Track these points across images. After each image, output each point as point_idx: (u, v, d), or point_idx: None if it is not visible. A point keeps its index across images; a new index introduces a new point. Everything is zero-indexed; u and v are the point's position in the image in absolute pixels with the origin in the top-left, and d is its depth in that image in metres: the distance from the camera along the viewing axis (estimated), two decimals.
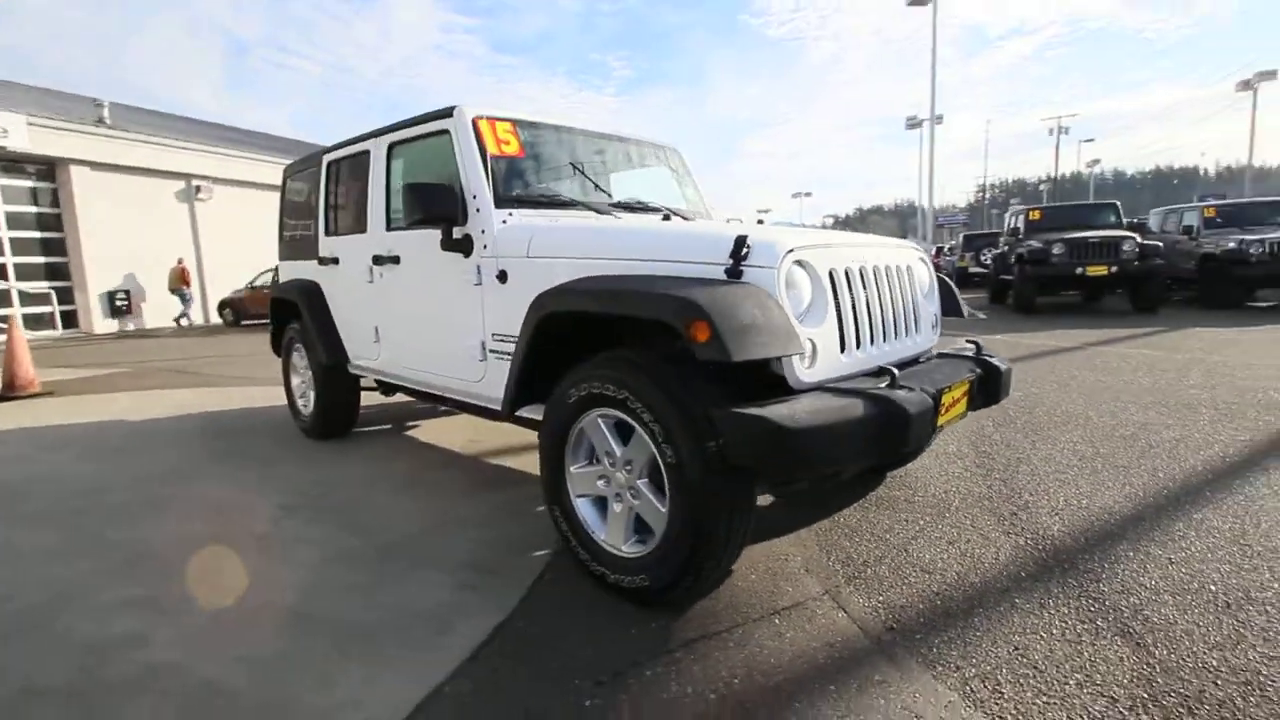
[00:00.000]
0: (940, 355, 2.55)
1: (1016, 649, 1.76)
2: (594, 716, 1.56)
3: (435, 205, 2.62)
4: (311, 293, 3.92)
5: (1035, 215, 11.98)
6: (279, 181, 4.57)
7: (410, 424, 4.53)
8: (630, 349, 2.08)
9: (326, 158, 3.79)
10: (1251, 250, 9.43)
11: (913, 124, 27.11)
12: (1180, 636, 1.78)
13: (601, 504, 2.17)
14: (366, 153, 3.38)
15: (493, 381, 2.70)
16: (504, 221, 2.62)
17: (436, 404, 3.42)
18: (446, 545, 2.53)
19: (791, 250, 1.92)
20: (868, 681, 1.64)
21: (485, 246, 2.63)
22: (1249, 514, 2.52)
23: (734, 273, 1.89)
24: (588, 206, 2.89)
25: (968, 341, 2.60)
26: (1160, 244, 10.04)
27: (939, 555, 2.31)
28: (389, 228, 3.24)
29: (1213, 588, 2.02)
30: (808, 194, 64.94)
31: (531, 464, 3.51)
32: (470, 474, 3.41)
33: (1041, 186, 59.11)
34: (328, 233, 3.81)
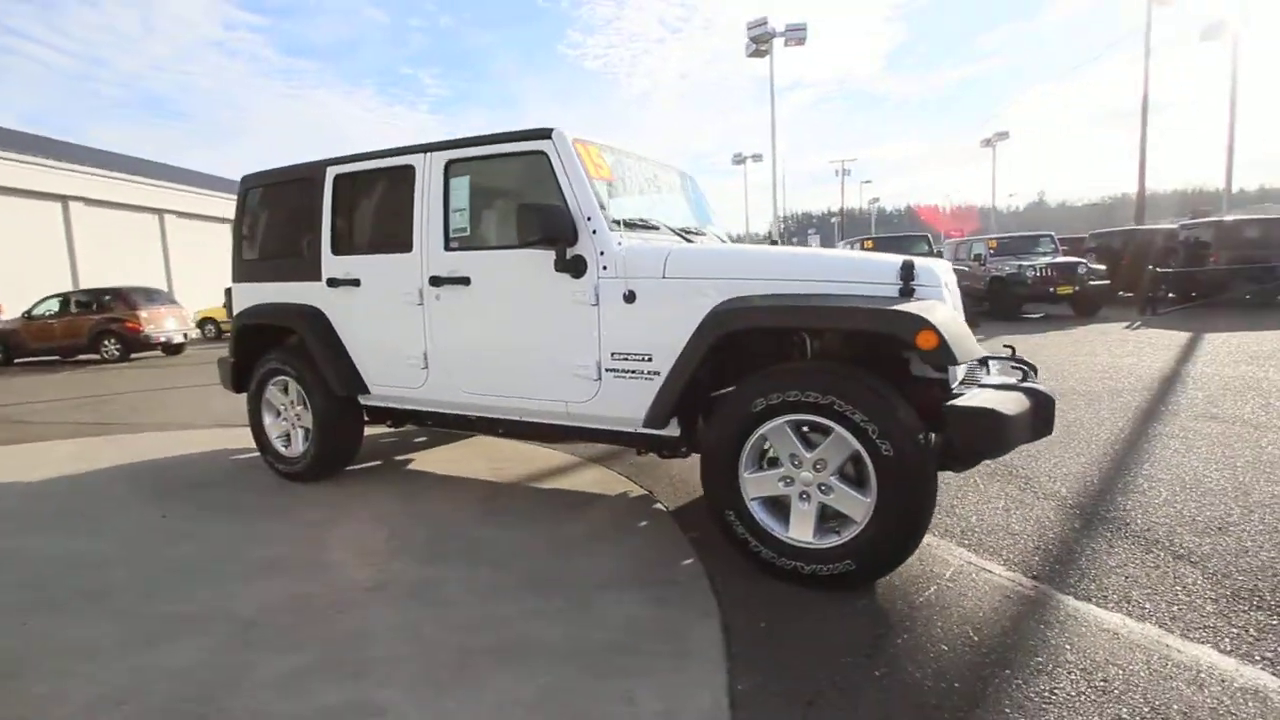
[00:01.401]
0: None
1: (1126, 578, 2.27)
2: (888, 684, 1.76)
3: (551, 226, 2.62)
4: (314, 317, 3.54)
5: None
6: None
7: (399, 458, 4.21)
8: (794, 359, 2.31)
9: (333, 170, 3.47)
10: (1027, 274, 12.01)
11: (738, 160, 29.97)
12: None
13: (772, 504, 2.36)
14: (410, 168, 3.19)
15: (609, 401, 2.74)
16: (619, 243, 2.70)
17: (493, 433, 3.29)
18: (592, 567, 2.52)
19: (944, 272, 2.30)
20: (1050, 618, 2.04)
21: (605, 267, 2.68)
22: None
23: (907, 292, 2.22)
24: (668, 229, 3.06)
25: (1014, 366, 2.59)
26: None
27: (1019, 518, 2.81)
28: (448, 247, 3.09)
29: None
30: None
31: (585, 482, 3.56)
32: (536, 500, 3.32)
33: (832, 219, 67.88)
34: (338, 251, 3.48)
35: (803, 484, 2.27)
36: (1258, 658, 1.80)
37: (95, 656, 2.00)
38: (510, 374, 2.99)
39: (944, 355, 1.98)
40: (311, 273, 3.57)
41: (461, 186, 3.07)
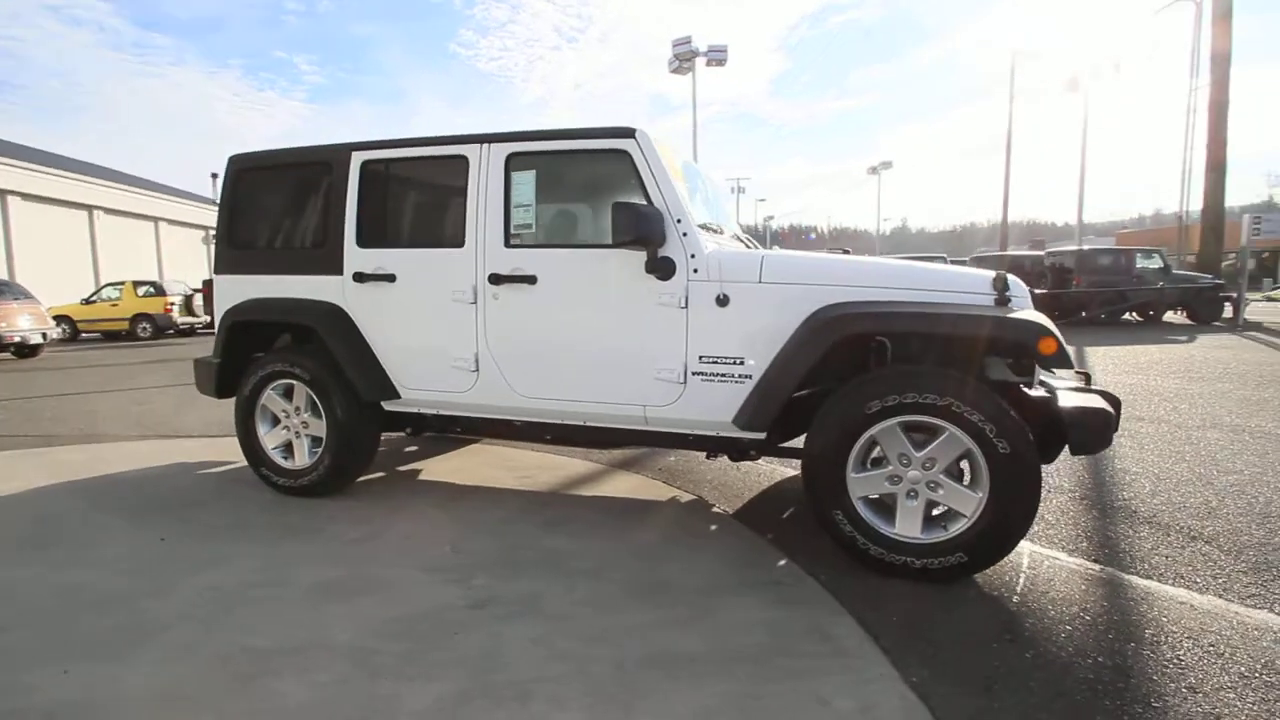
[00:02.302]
0: None
1: (1166, 558, 2.58)
2: (1042, 664, 1.89)
3: (646, 227, 2.58)
4: (334, 315, 3.21)
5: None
6: None
7: (401, 469, 3.90)
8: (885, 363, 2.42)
9: (360, 156, 3.19)
10: None
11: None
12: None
13: (873, 503, 2.45)
14: (463, 159, 3.00)
15: (694, 404, 2.72)
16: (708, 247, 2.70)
17: (537, 439, 3.15)
18: (686, 573, 2.48)
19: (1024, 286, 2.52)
20: (1131, 595, 2.28)
21: (696, 270, 2.67)
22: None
23: (1001, 302, 2.41)
24: (729, 231, 3.11)
25: (1077, 373, 2.76)
26: None
27: (1044, 509, 3.09)
28: (509, 244, 2.94)
29: None
30: None
31: (626, 489, 3.53)
32: (591, 508, 3.21)
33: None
34: (365, 243, 3.19)
35: (910, 482, 2.38)
36: None
37: (191, 704, 1.71)
38: (580, 377, 2.88)
39: (1061, 360, 2.17)
40: (329, 265, 3.25)
41: (526, 181, 2.93)
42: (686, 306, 2.69)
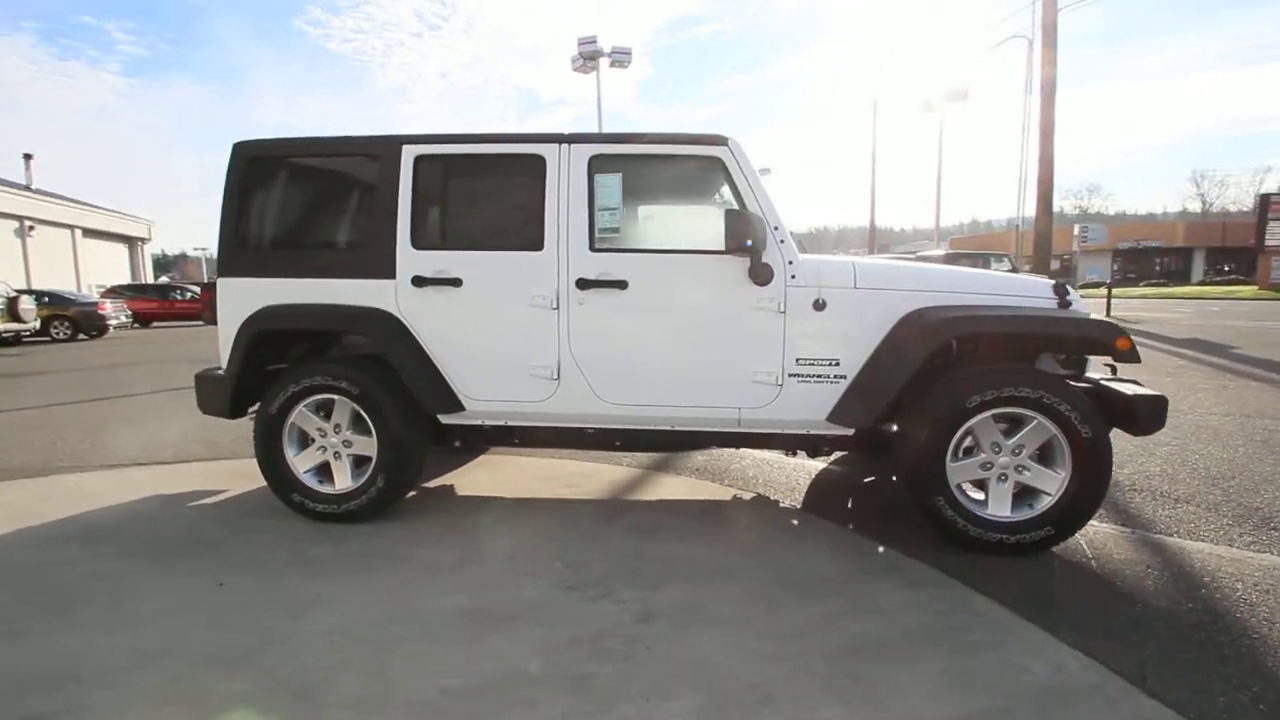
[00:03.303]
0: None
1: (1188, 520, 3.09)
2: (1176, 622, 2.21)
3: (755, 234, 2.66)
4: (390, 323, 2.94)
5: None
6: None
7: (428, 485, 3.64)
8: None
9: (412, 150, 2.94)
10: None
11: None
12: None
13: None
14: (539, 159, 2.88)
15: (793, 405, 2.84)
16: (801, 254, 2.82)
17: (607, 447, 3.11)
18: (807, 567, 2.60)
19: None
20: (1182, 557, 2.72)
21: (794, 276, 2.78)
22: None
23: (1064, 305, 2.77)
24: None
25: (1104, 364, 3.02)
26: None
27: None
28: (594, 247, 2.86)
29: None
30: None
31: (680, 490, 3.60)
32: (665, 512, 3.21)
33: None
34: (421, 245, 2.95)
35: (1000, 467, 2.67)
36: None
37: None
38: (673, 383, 2.89)
39: (1133, 356, 2.54)
40: (377, 268, 2.97)
41: (611, 184, 2.88)
42: (785, 311, 2.80)
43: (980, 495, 2.72)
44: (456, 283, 2.93)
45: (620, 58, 18.10)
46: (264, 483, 3.65)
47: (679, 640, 2.06)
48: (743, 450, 4.02)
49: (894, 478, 3.61)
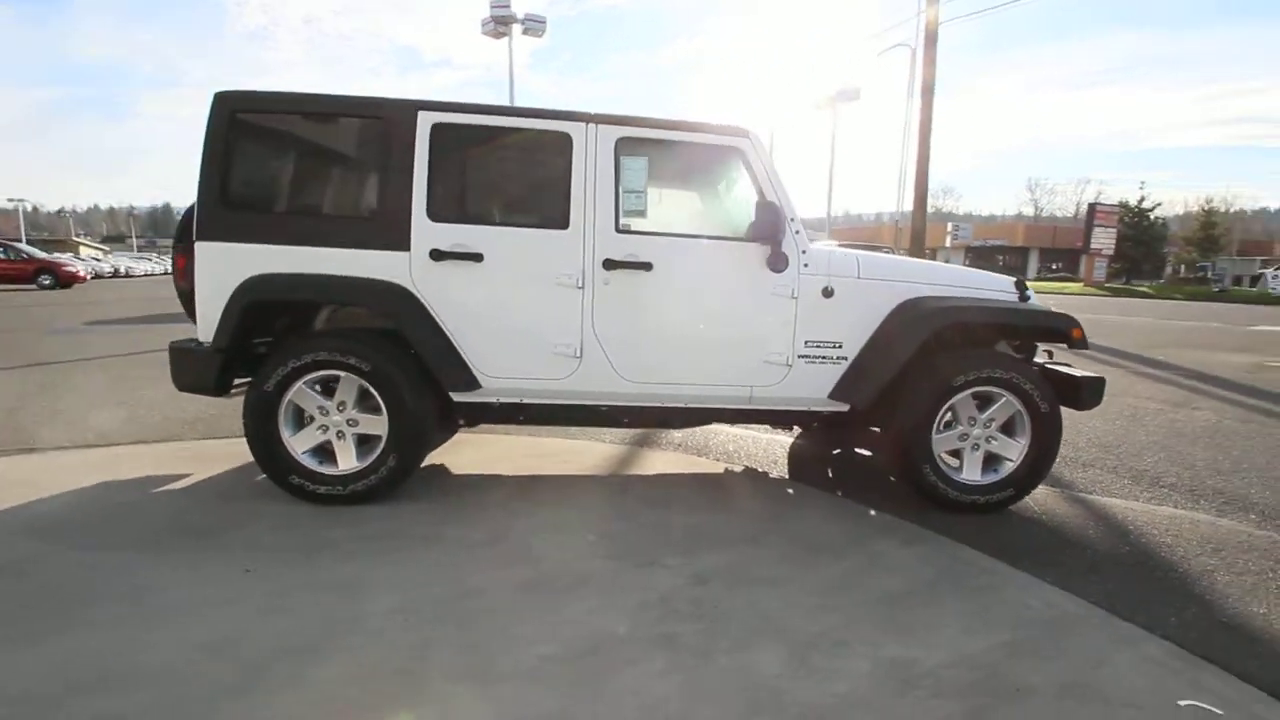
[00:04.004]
0: None
1: (1165, 496, 3.68)
2: (1106, 554, 2.69)
3: (780, 223, 2.84)
4: (404, 297, 2.83)
5: None
6: None
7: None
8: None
9: (429, 116, 2.82)
10: None
11: None
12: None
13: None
14: (565, 136, 2.87)
15: (799, 384, 3.07)
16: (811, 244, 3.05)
17: (614, 424, 3.20)
18: (823, 529, 2.86)
19: None
20: (1180, 523, 3.27)
21: (806, 265, 3.00)
22: None
23: (1023, 299, 3.20)
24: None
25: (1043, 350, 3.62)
26: None
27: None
28: (619, 229, 2.92)
29: None
30: None
31: (667, 465, 3.79)
32: (667, 487, 3.35)
33: None
34: (438, 217, 2.85)
35: (974, 438, 3.06)
36: (1252, 519, 3.28)
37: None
38: (691, 362, 3.03)
39: (1084, 344, 3.01)
40: (389, 239, 2.84)
41: (637, 167, 2.94)
42: (797, 297, 3.02)
43: (955, 463, 3.12)
44: (477, 258, 2.88)
45: (534, 25, 17.48)
46: (227, 466, 3.42)
47: (738, 599, 2.24)
48: (718, 426, 4.25)
49: (867, 451, 4.00)
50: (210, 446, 3.82)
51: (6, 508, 2.79)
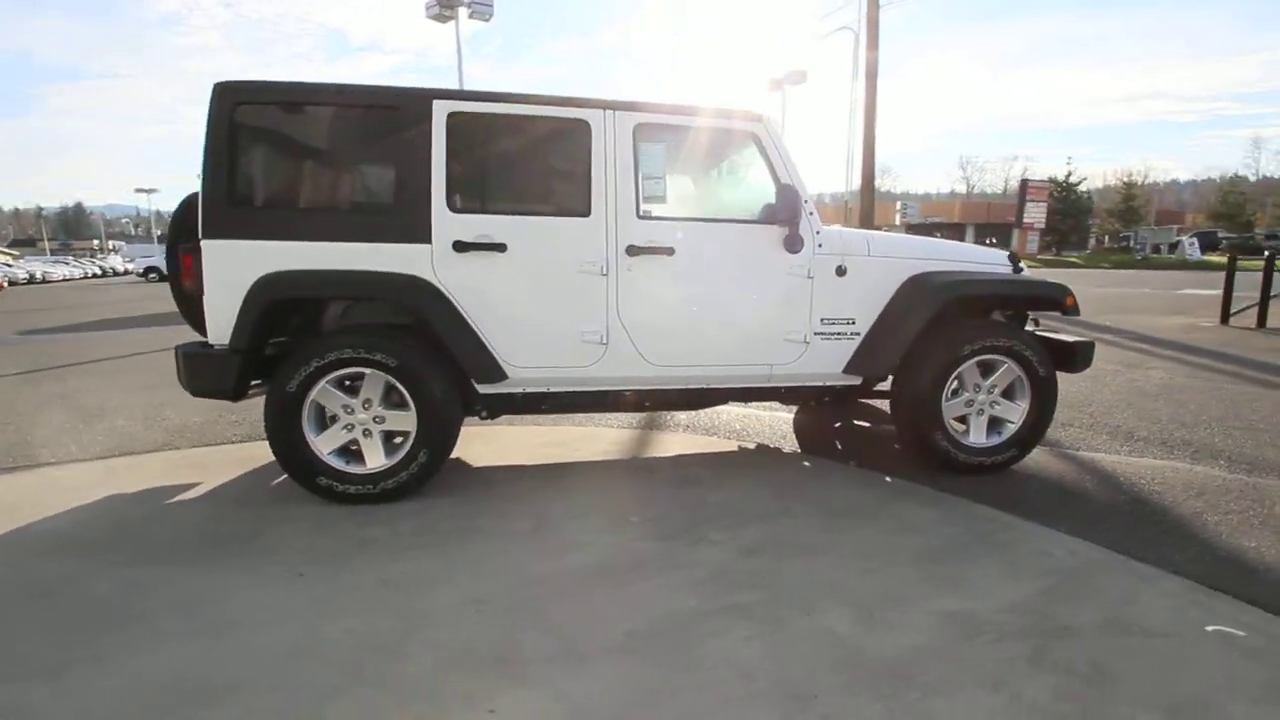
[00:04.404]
0: None
1: (1141, 448, 3.95)
2: (1105, 503, 2.91)
3: (798, 205, 2.93)
4: (428, 290, 2.78)
5: None
6: None
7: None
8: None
9: (445, 105, 2.77)
10: None
11: None
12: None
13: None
14: (583, 124, 2.86)
15: (816, 360, 3.18)
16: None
17: (637, 409, 3.26)
18: (848, 496, 2.99)
19: None
20: (1164, 471, 3.52)
21: (820, 245, 3.09)
22: None
23: (1017, 270, 3.39)
24: None
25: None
26: None
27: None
28: (640, 215, 2.94)
29: None
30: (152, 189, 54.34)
31: (685, 445, 3.90)
32: (690, 467, 3.42)
33: None
34: (459, 208, 2.81)
35: (979, 404, 3.24)
36: (1222, 465, 3.56)
37: (694, 678, 1.68)
38: (715, 343, 3.09)
39: (1076, 310, 3.21)
40: (409, 232, 2.79)
41: (655, 153, 2.98)
42: (813, 277, 3.11)
43: (962, 427, 3.29)
44: (500, 248, 2.85)
45: (481, 9, 17.01)
46: (233, 472, 3.34)
47: (790, 567, 2.33)
48: (721, 405, 4.34)
49: (866, 423, 4.16)
50: (207, 454, 3.68)
51: (17, 527, 2.64)
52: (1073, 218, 38.34)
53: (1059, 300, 3.27)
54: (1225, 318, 8.70)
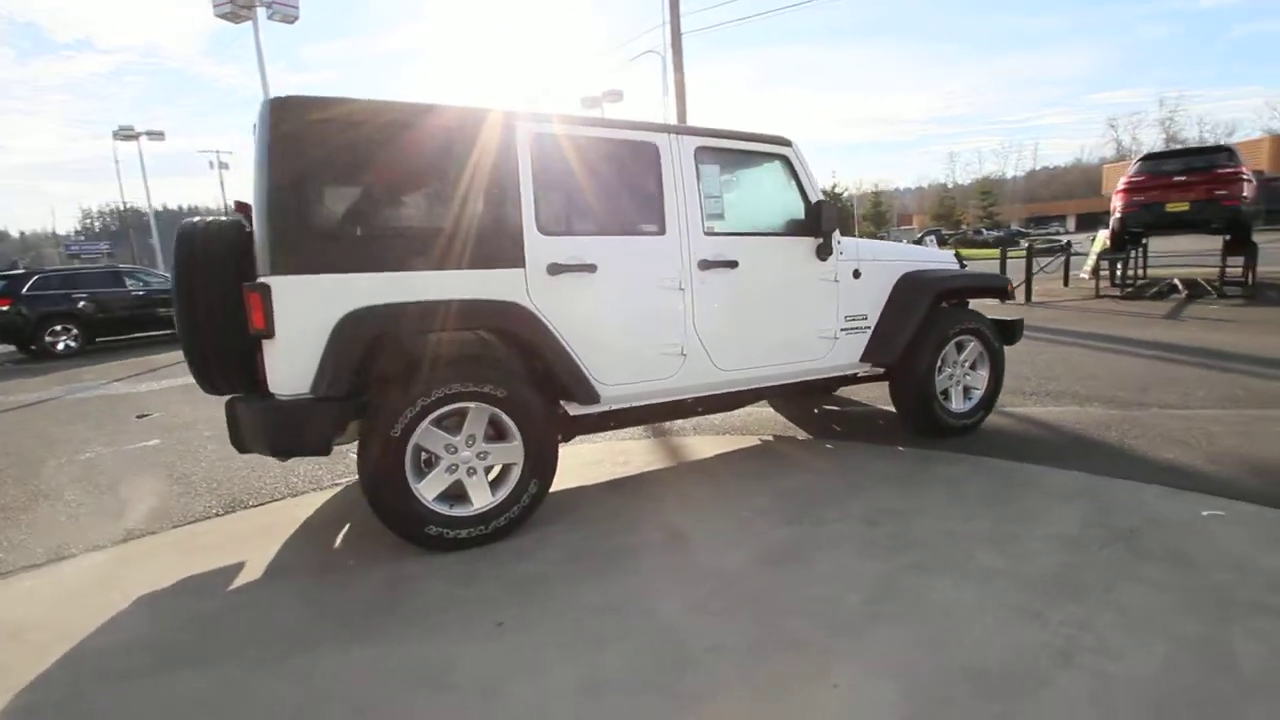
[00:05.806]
0: None
1: (1026, 396, 4.90)
2: (1084, 443, 3.74)
3: (833, 219, 3.36)
4: (526, 315, 2.70)
5: None
6: None
7: None
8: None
9: (529, 127, 2.73)
10: None
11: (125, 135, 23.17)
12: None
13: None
14: (653, 146, 2.99)
15: (841, 353, 3.64)
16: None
17: (690, 414, 3.44)
18: (889, 470, 3.47)
19: None
20: (1133, 420, 4.44)
21: (841, 253, 3.55)
22: None
23: (961, 266, 4.18)
24: None
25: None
26: None
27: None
28: (706, 231, 3.14)
29: None
30: None
31: (724, 445, 4.28)
32: (752, 461, 3.65)
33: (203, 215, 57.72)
34: (548, 230, 2.77)
35: (956, 377, 3.95)
36: (1091, 404, 4.61)
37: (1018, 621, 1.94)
38: (768, 346, 3.40)
39: (1013, 296, 4.06)
40: (501, 257, 2.71)
41: (711, 174, 3.20)
42: (838, 280, 3.57)
43: (943, 399, 3.98)
44: (591, 269, 2.87)
45: (287, 10, 15.13)
46: (270, 542, 2.98)
47: (914, 529, 2.72)
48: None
49: (834, 406, 4.73)
50: (214, 527, 3.11)
51: (90, 636, 2.06)
52: (843, 223, 44.96)
53: (1004, 289, 4.12)
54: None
